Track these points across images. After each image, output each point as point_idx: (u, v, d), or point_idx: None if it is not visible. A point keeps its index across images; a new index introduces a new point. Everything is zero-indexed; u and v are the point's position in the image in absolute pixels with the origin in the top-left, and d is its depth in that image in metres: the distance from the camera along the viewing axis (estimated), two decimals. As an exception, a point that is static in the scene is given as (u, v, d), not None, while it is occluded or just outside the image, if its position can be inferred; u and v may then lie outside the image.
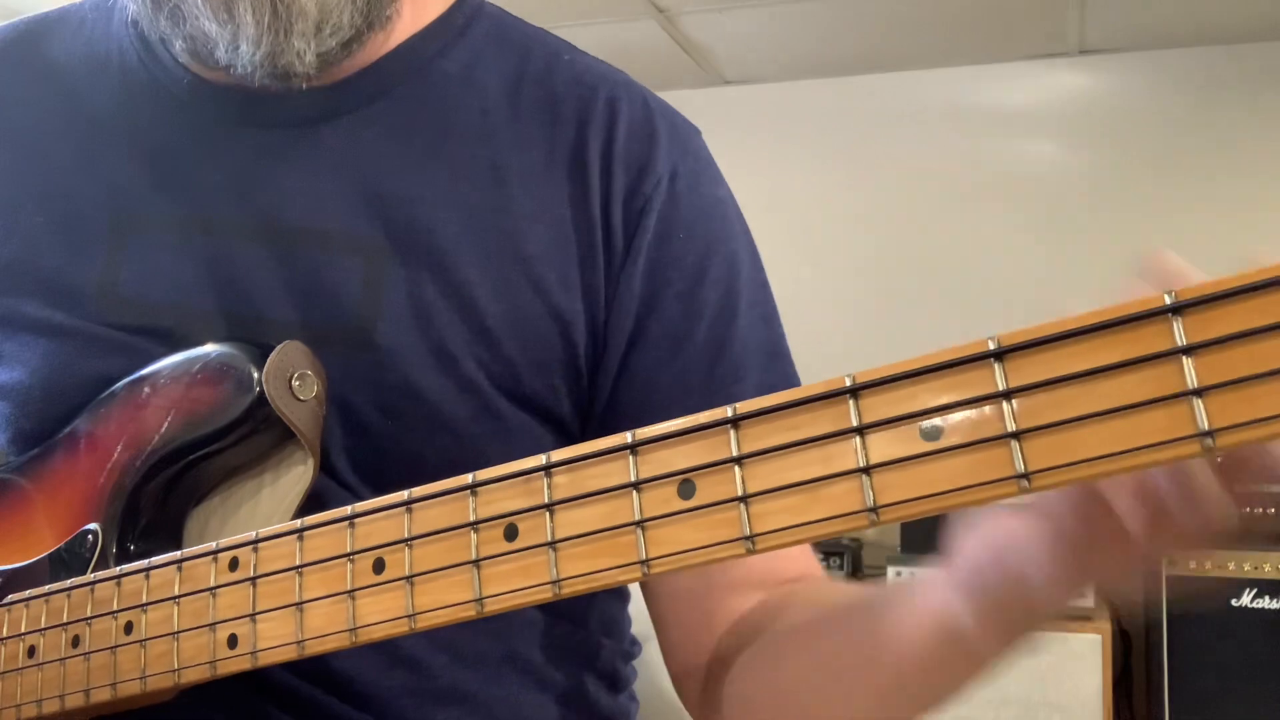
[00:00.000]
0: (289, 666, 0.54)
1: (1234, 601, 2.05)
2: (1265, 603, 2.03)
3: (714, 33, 2.52)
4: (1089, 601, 2.20)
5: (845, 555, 2.59)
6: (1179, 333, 0.24)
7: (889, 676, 0.42)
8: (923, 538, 2.44)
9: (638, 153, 0.57)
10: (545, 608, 0.60)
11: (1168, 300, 0.25)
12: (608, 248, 0.56)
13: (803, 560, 0.58)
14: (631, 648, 0.68)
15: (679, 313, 0.56)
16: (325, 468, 0.53)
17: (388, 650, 0.55)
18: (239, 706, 0.54)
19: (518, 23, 0.63)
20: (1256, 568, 2.06)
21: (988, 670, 0.39)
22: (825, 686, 0.47)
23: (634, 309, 0.56)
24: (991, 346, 0.27)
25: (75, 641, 0.51)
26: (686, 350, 0.56)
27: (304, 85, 0.55)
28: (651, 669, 0.71)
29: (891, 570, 2.43)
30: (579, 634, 0.62)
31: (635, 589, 0.69)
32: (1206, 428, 0.24)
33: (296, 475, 0.54)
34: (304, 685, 0.54)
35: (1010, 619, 0.36)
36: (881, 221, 2.78)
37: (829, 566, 2.59)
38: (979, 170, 2.69)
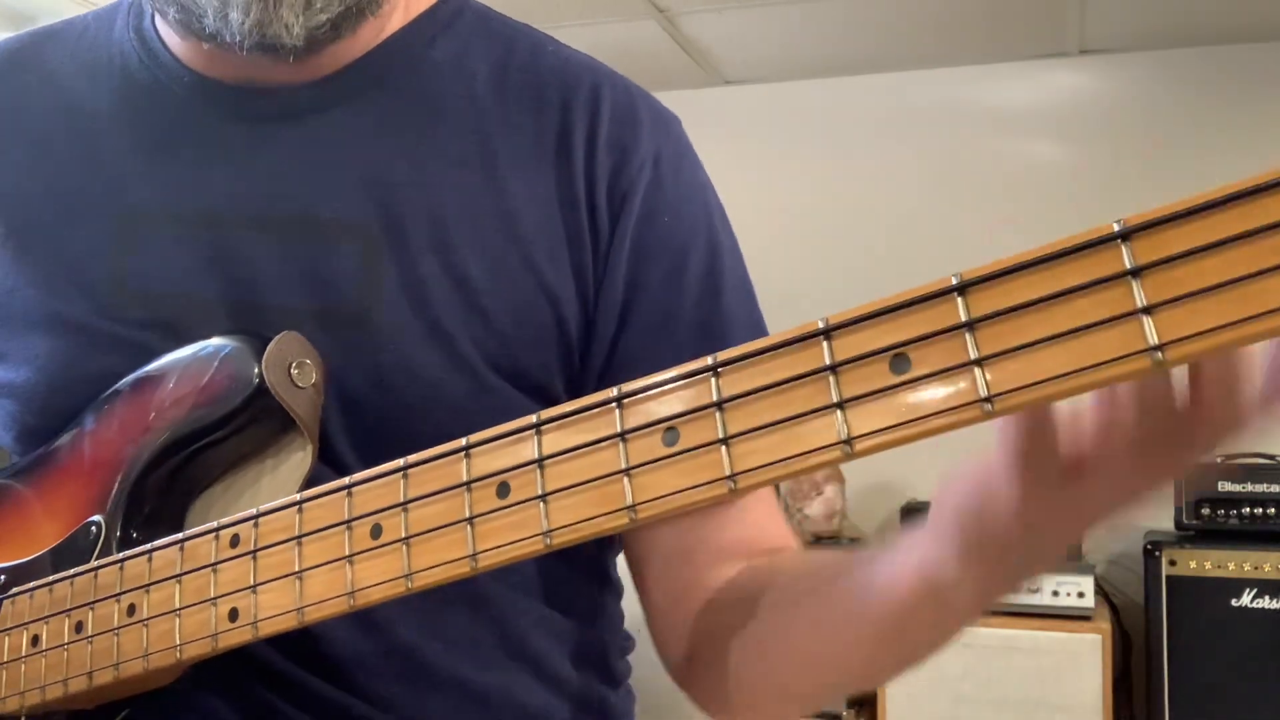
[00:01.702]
0: (286, 652, 0.55)
1: (1234, 601, 2.04)
2: (1265, 603, 2.03)
3: (714, 33, 2.54)
4: (1089, 602, 2.20)
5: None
6: (1127, 256, 0.26)
7: (873, 631, 0.42)
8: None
9: (621, 136, 0.59)
10: (541, 597, 0.61)
11: (1116, 227, 0.26)
12: (593, 228, 0.58)
13: (782, 533, 0.59)
14: (625, 641, 0.68)
15: (666, 292, 0.58)
16: (325, 450, 0.54)
17: (383, 637, 0.56)
18: (235, 692, 0.55)
19: (501, 17, 0.66)
20: (1256, 568, 2.06)
21: (971, 619, 0.40)
22: (812, 646, 0.48)
23: (621, 288, 0.58)
24: (954, 281, 0.29)
25: (79, 627, 0.52)
26: (674, 328, 0.58)
27: (290, 59, 0.56)
28: (650, 666, 0.72)
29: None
30: (573, 624, 0.62)
31: (631, 586, 0.70)
32: (1156, 342, 0.25)
33: (296, 462, 0.55)
34: (300, 671, 0.55)
35: (989, 559, 0.36)
36: (881, 221, 2.79)
37: (828, 568, 2.57)
38: (979, 170, 2.70)
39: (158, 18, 0.63)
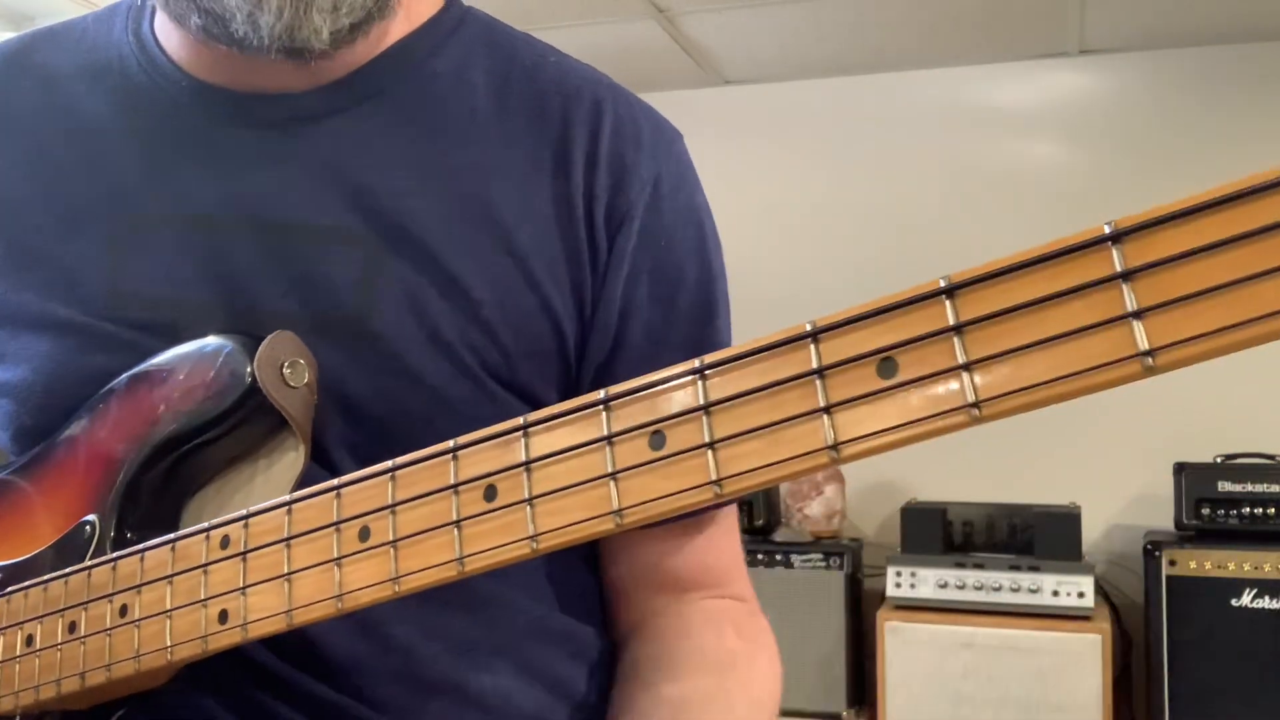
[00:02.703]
0: (280, 653, 0.54)
1: (1234, 601, 2.04)
2: (1265, 603, 2.03)
3: (714, 33, 2.54)
4: (1089, 602, 2.20)
5: (845, 555, 2.58)
6: (1118, 259, 0.26)
7: None
8: (923, 538, 2.43)
9: (622, 153, 0.59)
10: (541, 597, 0.60)
11: (1107, 230, 0.26)
12: (592, 246, 0.58)
13: (733, 576, 0.62)
14: None
15: (658, 316, 0.58)
16: (324, 456, 0.54)
17: (380, 639, 0.56)
18: (230, 693, 0.55)
19: (504, 26, 0.65)
20: (1256, 568, 2.05)
21: None
22: None
23: (616, 310, 0.58)
24: (942, 284, 0.28)
25: (72, 627, 0.52)
26: (665, 353, 0.58)
27: (310, 63, 0.56)
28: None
29: (891, 570, 2.42)
30: (571, 626, 0.62)
31: None
32: (1146, 347, 0.25)
33: (289, 462, 0.55)
34: (295, 672, 0.55)
35: None
36: (881, 221, 2.79)
37: (829, 567, 2.57)
38: (979, 170, 2.70)
39: (156, 21, 0.62)
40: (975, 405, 0.27)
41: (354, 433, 0.55)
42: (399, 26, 0.61)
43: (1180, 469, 2.26)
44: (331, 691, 0.55)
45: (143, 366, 0.57)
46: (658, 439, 0.33)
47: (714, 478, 0.31)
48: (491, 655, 0.58)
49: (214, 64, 0.59)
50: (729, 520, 0.64)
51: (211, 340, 0.55)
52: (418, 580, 0.38)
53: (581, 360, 0.58)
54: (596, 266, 0.58)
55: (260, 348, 0.52)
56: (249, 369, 0.52)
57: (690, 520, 0.61)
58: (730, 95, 2.88)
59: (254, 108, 0.59)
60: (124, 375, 0.57)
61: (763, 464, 0.30)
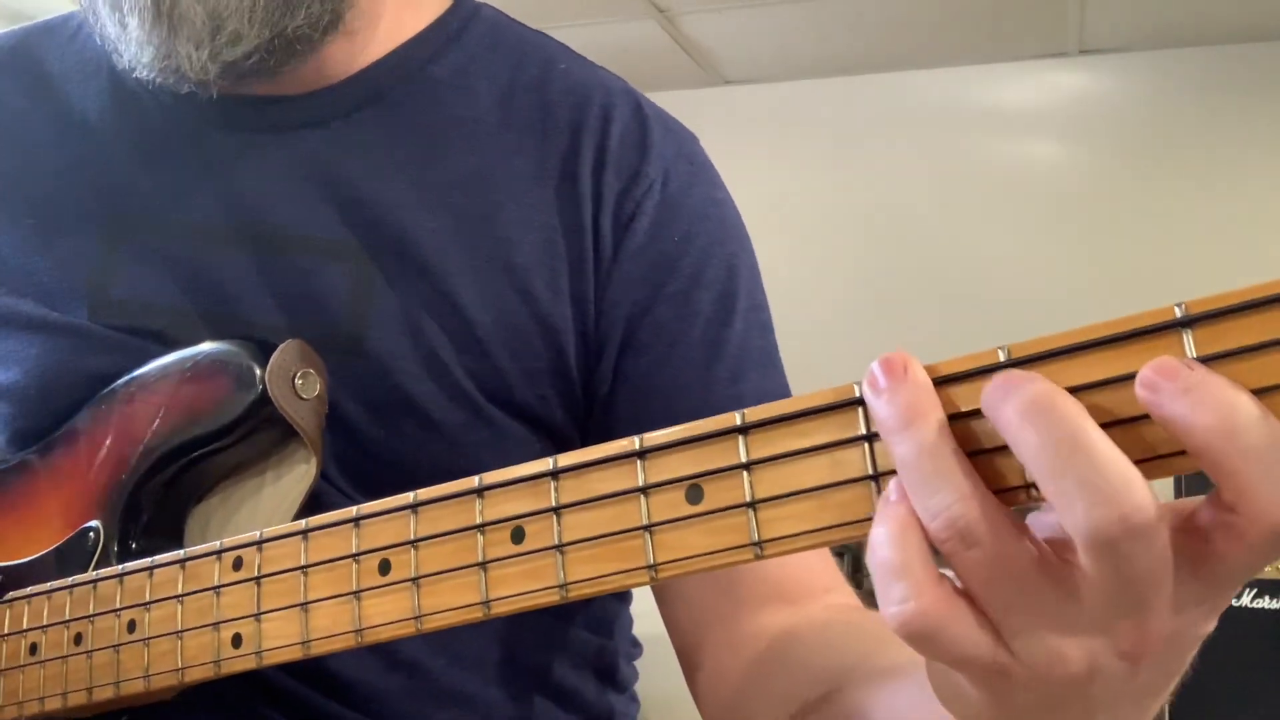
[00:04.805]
0: (287, 668, 0.54)
1: (1234, 601, 2.05)
2: (1265, 603, 2.04)
3: (714, 33, 2.53)
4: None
5: (845, 556, 2.59)
6: (1189, 345, 0.25)
7: None
8: (919, 535, 2.44)
9: (630, 159, 0.57)
10: (550, 611, 0.60)
11: (1178, 313, 0.25)
12: (597, 254, 0.56)
13: (826, 573, 0.56)
14: (633, 648, 0.68)
15: (672, 315, 0.56)
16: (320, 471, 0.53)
17: (387, 653, 0.55)
18: (236, 708, 0.54)
19: (515, 26, 0.63)
20: (1256, 567, 2.07)
21: None
22: None
23: (625, 312, 0.56)
24: (1002, 358, 0.27)
25: (78, 639, 0.51)
26: (680, 352, 0.56)
27: (213, 93, 0.55)
28: (653, 670, 0.72)
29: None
30: (580, 635, 0.62)
31: (640, 590, 0.69)
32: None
33: (299, 474, 0.54)
34: (302, 687, 0.54)
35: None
36: (881, 221, 2.79)
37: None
38: (979, 170, 2.70)
39: None
40: (1028, 487, 0.26)
41: (349, 451, 0.54)
42: (398, 29, 0.59)
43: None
44: (339, 707, 0.55)
45: (147, 369, 0.56)
46: (695, 493, 0.32)
47: (755, 540, 0.31)
48: (501, 668, 0.58)
49: None
50: None
51: (220, 345, 0.54)
52: (442, 620, 0.38)
53: (591, 373, 0.56)
54: (600, 274, 0.56)
55: (272, 357, 0.51)
56: (259, 378, 0.51)
57: None
58: (730, 95, 2.87)
59: (245, 112, 0.58)
60: (127, 377, 0.56)
61: (807, 529, 0.30)
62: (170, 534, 0.55)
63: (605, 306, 0.56)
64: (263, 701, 0.54)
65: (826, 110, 2.83)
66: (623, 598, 0.67)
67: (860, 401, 0.29)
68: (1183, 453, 0.24)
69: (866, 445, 0.29)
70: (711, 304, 0.57)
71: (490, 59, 0.60)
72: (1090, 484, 0.23)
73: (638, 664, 0.68)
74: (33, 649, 0.53)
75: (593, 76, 0.61)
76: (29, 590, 0.54)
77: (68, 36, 0.64)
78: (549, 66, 0.60)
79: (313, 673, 0.54)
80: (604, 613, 0.64)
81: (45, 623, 0.53)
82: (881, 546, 0.27)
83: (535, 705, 0.59)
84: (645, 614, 0.66)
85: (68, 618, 0.52)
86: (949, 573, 0.27)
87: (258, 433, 0.53)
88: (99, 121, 0.60)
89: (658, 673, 0.71)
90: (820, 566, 0.56)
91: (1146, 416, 0.25)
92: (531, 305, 0.55)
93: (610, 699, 0.64)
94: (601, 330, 0.56)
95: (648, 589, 0.69)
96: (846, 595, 0.55)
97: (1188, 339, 0.25)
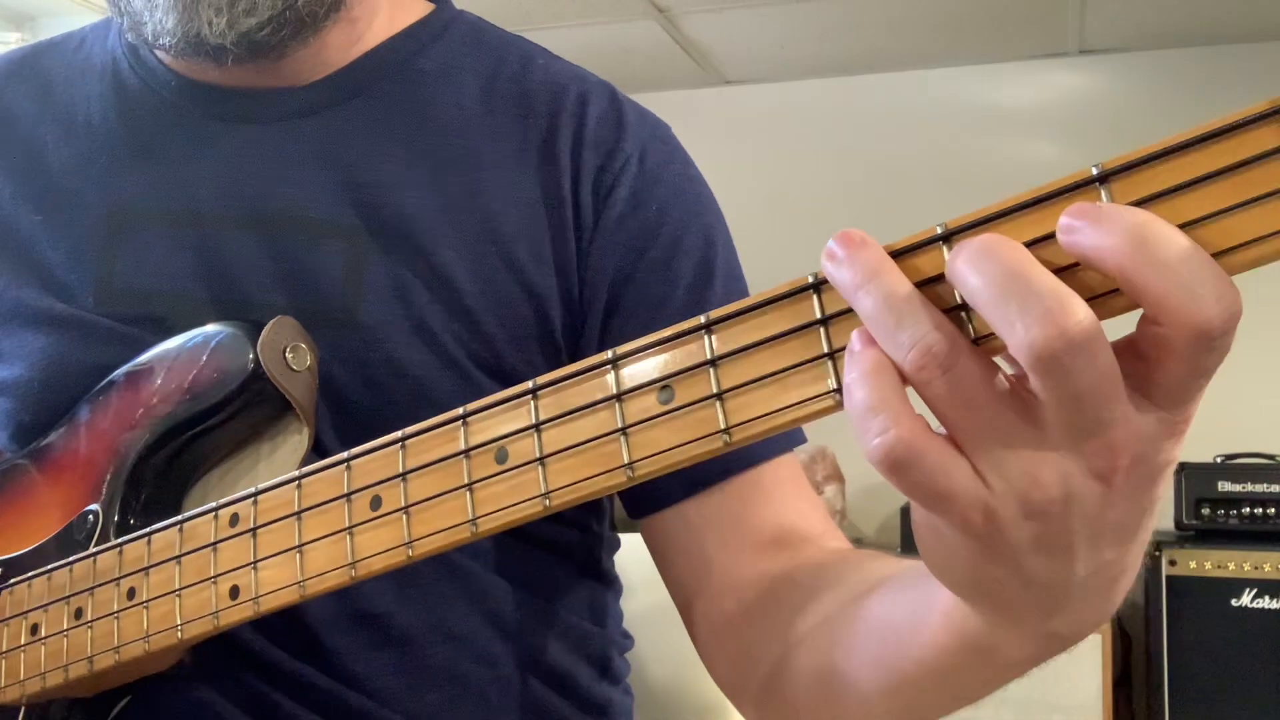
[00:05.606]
0: (283, 644, 0.55)
1: (1234, 601, 2.04)
2: (1265, 603, 2.03)
3: (714, 33, 2.54)
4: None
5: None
6: (1106, 199, 0.27)
7: (919, 677, 0.39)
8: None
9: (607, 137, 0.60)
10: (543, 595, 0.61)
11: (1094, 172, 0.27)
12: (578, 224, 0.59)
13: (821, 521, 0.57)
14: (625, 639, 0.69)
15: (655, 280, 0.59)
16: (317, 446, 0.55)
17: (380, 630, 0.56)
18: (230, 683, 0.55)
19: (494, 29, 0.67)
20: (1256, 568, 2.06)
21: (1014, 669, 0.36)
22: (871, 684, 0.43)
23: (608, 279, 0.58)
24: (939, 231, 0.29)
25: (78, 613, 0.52)
26: (664, 316, 0.58)
27: (229, 61, 0.57)
28: (643, 663, 0.72)
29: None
30: (572, 620, 0.62)
31: (631, 587, 0.69)
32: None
33: (293, 445, 0.55)
34: (296, 663, 0.55)
35: (1006, 614, 0.32)
36: (881, 221, 2.79)
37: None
38: (979, 170, 2.71)
39: None
40: (977, 340, 0.28)
41: (346, 423, 0.56)
42: (385, 27, 0.63)
43: (1180, 469, 2.26)
44: (332, 682, 0.55)
45: (142, 357, 0.57)
46: (666, 393, 0.34)
47: (722, 426, 0.32)
48: (495, 649, 0.58)
49: (203, 68, 0.60)
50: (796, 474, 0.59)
51: (211, 328, 0.55)
52: (431, 544, 0.39)
53: (578, 339, 0.59)
54: (582, 243, 0.58)
55: (263, 332, 0.53)
56: (251, 354, 0.53)
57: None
58: (730, 95, 2.89)
59: (241, 103, 0.60)
60: (124, 367, 0.57)
61: (770, 410, 0.31)
62: (169, 514, 0.55)
63: (588, 274, 0.58)
64: (258, 678, 0.55)
65: (826, 110, 2.83)
66: (614, 588, 0.67)
67: (814, 287, 0.31)
68: (1117, 290, 0.26)
69: (822, 328, 0.31)
70: (692, 270, 0.59)
71: (473, 54, 0.63)
72: (1029, 305, 0.25)
73: (629, 656, 0.69)
74: (34, 629, 0.54)
75: (569, 70, 0.65)
76: (29, 575, 0.55)
77: (72, 49, 0.67)
78: (528, 61, 0.64)
79: (307, 648, 0.55)
80: (595, 600, 0.65)
81: (46, 601, 0.53)
82: (857, 388, 0.28)
83: (528, 687, 0.60)
84: (636, 610, 0.66)
85: (68, 593, 0.53)
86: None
87: (252, 407, 0.54)
88: (102, 119, 0.62)
89: (649, 667, 0.71)
90: (814, 515, 0.57)
91: (1078, 265, 0.27)
92: (517, 274, 0.57)
93: (603, 687, 0.64)
94: (585, 298, 0.58)
95: (642, 585, 0.69)
96: (840, 541, 0.57)
97: (1104, 193, 0.27)
